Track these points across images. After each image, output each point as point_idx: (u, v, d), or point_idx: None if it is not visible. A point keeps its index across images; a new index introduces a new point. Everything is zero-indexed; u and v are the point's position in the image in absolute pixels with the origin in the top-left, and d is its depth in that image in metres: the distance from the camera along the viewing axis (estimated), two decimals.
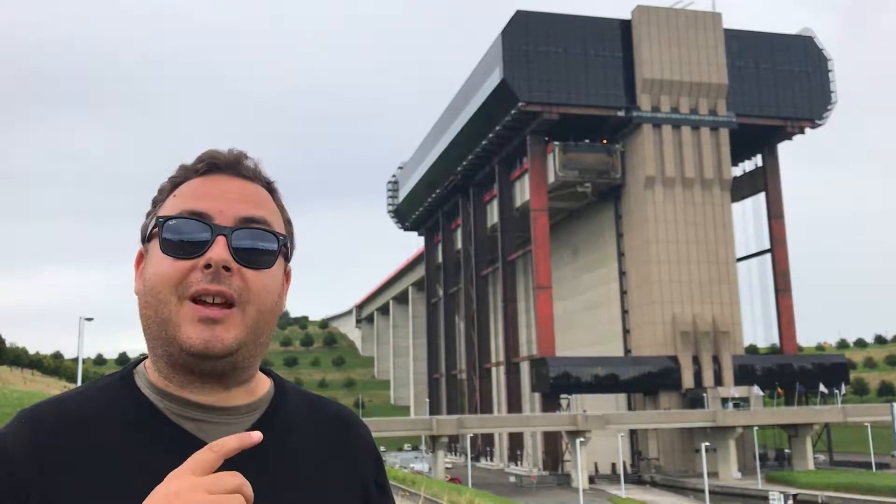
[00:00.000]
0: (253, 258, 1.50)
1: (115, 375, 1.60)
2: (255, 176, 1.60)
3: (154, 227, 1.53)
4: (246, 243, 1.50)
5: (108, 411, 1.50)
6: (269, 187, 1.63)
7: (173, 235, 1.49)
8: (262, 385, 1.64)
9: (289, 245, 1.61)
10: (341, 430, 1.71)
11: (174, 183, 1.59)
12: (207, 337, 1.44)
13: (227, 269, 1.46)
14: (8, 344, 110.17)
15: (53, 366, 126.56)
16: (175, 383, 1.52)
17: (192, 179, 1.58)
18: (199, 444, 1.44)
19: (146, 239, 1.57)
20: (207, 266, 1.46)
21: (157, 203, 1.60)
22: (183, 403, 1.51)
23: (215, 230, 1.48)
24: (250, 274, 1.49)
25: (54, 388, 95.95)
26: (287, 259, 1.62)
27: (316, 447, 1.63)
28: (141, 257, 1.60)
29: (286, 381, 1.73)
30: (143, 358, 1.64)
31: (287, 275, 1.63)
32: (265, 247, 1.52)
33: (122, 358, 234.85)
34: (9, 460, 1.41)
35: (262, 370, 1.67)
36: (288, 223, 1.64)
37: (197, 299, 1.46)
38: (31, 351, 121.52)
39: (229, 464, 1.44)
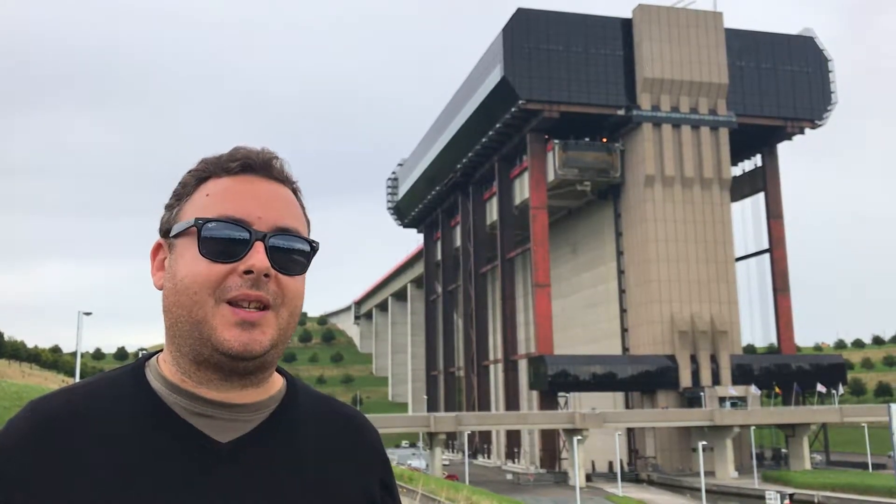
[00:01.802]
0: (288, 264, 1.52)
1: (126, 368, 1.61)
2: (285, 179, 1.61)
3: (190, 227, 1.51)
4: (283, 250, 1.52)
5: (115, 405, 1.51)
6: (294, 189, 1.64)
7: (213, 239, 1.49)
8: (274, 383, 1.65)
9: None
10: (350, 433, 1.70)
11: (198, 178, 1.58)
12: (246, 340, 1.47)
13: (265, 275, 1.48)
14: (6, 337, 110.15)
15: (52, 360, 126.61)
16: (193, 380, 1.53)
17: (221, 178, 1.56)
18: (207, 440, 1.49)
19: (173, 234, 1.56)
20: (247, 272, 1.47)
21: (181, 197, 1.59)
22: (193, 399, 1.52)
23: (254, 236, 1.49)
24: (285, 280, 1.52)
25: (52, 381, 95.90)
26: None
27: (323, 448, 1.63)
28: (158, 250, 1.61)
29: (298, 381, 1.73)
30: (155, 352, 1.64)
31: None
32: (300, 254, 1.55)
33: (121, 352, 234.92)
34: (3, 455, 1.43)
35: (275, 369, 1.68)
36: (308, 224, 1.65)
37: (234, 302, 1.48)
38: (30, 344, 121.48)
39: (235, 462, 1.50)
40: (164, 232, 1.59)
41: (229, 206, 1.52)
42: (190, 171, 1.60)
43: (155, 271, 1.59)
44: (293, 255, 1.53)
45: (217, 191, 1.54)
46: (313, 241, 1.59)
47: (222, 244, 1.49)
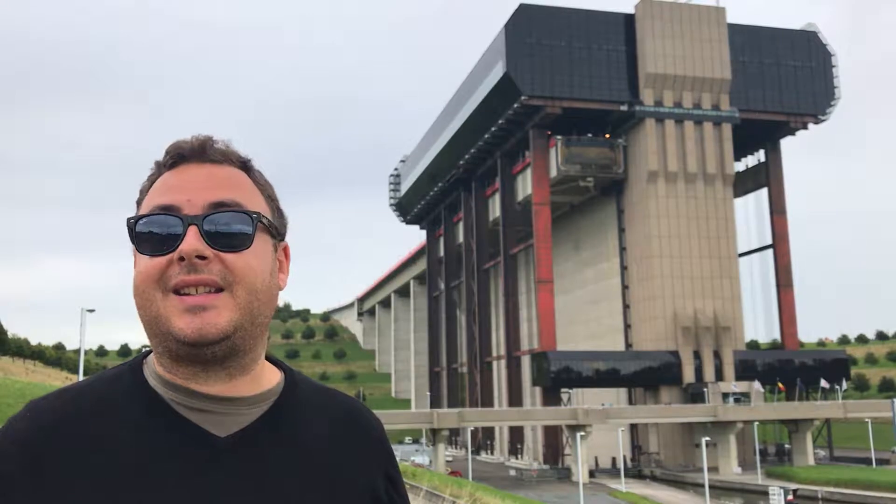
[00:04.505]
0: (228, 241, 1.47)
1: (124, 366, 1.59)
2: (225, 158, 1.56)
3: (129, 229, 1.51)
4: (218, 228, 1.47)
5: (113, 404, 1.50)
6: (245, 166, 1.59)
7: (145, 233, 1.48)
8: (272, 376, 1.62)
9: (270, 221, 1.56)
10: (353, 426, 1.67)
11: (152, 181, 1.57)
12: (198, 325, 1.42)
13: (202, 257, 1.44)
14: (10, 335, 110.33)
15: (55, 357, 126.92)
16: (180, 376, 1.50)
17: (162, 174, 1.55)
18: (204, 434, 1.47)
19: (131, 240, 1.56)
20: (181, 258, 1.44)
21: (139, 204, 1.58)
22: (189, 394, 1.50)
23: (185, 221, 1.46)
24: (230, 257, 1.47)
25: (56, 379, 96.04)
26: (276, 236, 1.58)
27: (325, 440, 1.60)
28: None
29: (298, 373, 1.69)
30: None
31: (285, 251, 1.62)
32: (239, 228, 1.49)
33: (124, 349, 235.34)
34: (2, 457, 1.42)
35: (273, 361, 1.65)
36: (270, 199, 1.60)
37: (180, 291, 1.44)
38: (33, 342, 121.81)
39: (234, 456, 1.47)
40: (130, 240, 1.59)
41: (159, 198, 1.50)
42: (148, 177, 1.59)
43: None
44: (231, 231, 1.48)
45: (155, 188, 1.54)
46: (252, 212, 1.51)
47: (155, 236, 1.47)
